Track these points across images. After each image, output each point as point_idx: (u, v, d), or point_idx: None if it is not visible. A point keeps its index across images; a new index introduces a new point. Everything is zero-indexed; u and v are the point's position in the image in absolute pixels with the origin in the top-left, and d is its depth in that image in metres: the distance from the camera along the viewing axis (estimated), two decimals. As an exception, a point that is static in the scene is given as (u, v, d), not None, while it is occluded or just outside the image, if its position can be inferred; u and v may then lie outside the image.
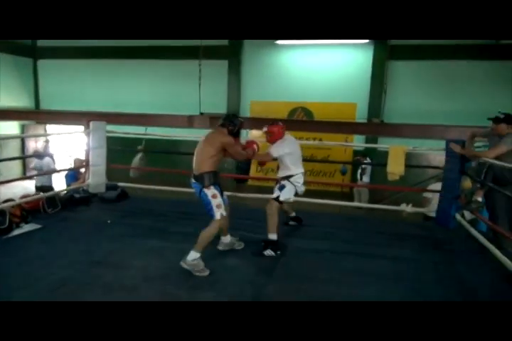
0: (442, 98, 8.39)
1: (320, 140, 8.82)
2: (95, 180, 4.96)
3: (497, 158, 3.54)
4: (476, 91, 8.30)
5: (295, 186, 3.56)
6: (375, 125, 8.20)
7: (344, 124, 8.14)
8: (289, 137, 3.64)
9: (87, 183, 5.02)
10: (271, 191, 3.68)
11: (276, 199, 3.50)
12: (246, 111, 9.84)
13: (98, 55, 10.38)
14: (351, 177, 9.05)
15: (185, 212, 4.60)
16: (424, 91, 8.65)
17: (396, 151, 4.27)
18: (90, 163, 4.96)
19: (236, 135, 3.20)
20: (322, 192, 7.99)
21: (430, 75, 8.61)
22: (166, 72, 10.17)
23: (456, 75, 8.47)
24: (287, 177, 3.56)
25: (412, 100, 8.72)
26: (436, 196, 4.34)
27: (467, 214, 4.18)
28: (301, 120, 9.35)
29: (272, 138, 3.58)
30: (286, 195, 3.52)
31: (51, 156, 7.01)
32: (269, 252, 3.30)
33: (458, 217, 4.07)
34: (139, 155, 8.37)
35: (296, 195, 3.65)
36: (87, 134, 4.94)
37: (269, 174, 8.78)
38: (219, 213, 2.96)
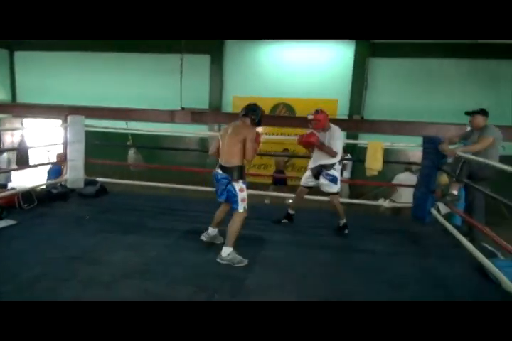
0: (420, 95, 8.55)
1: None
2: (73, 175, 4.87)
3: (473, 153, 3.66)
4: (453, 89, 8.49)
5: (341, 174, 3.86)
6: (356, 121, 8.31)
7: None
8: (333, 125, 3.75)
9: (65, 178, 4.94)
10: (254, 187, 3.69)
11: (337, 192, 3.74)
12: (228, 107, 9.81)
13: (77, 48, 10.15)
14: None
15: (165, 207, 4.59)
16: (404, 89, 8.79)
17: (374, 147, 4.34)
18: (68, 157, 4.88)
19: (258, 124, 3.20)
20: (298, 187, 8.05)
21: (410, 73, 8.76)
22: (147, 66, 10.03)
23: (434, 73, 8.64)
24: (331, 166, 3.68)
25: (391, 97, 8.85)
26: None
27: (442, 208, 4.29)
28: (283, 116, 9.39)
29: (319, 125, 3.66)
30: (340, 184, 3.77)
31: (25, 150, 6.81)
32: (346, 231, 3.80)
33: (433, 211, 4.17)
34: (132, 151, 8.21)
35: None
36: (65, 128, 4.85)
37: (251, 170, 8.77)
38: (242, 206, 3.01)
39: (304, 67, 9.37)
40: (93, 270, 2.79)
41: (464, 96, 8.16)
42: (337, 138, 3.66)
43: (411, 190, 4.54)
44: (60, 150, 5.98)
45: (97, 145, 5.90)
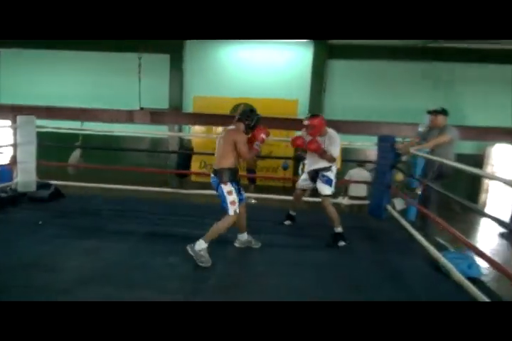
0: (376, 96, 8.87)
1: (263, 136, 8.94)
2: (24, 178, 4.64)
3: (432, 150, 3.87)
4: (405, 90, 8.88)
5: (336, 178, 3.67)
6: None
7: (288, 120, 8.31)
8: (330, 129, 3.64)
9: (15, 182, 4.70)
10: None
11: (329, 195, 3.63)
12: (189, 107, 9.72)
13: (28, 45, 9.67)
14: (293, 172, 9.29)
15: (124, 210, 4.47)
16: (360, 90, 9.09)
17: (333, 146, 4.45)
18: (18, 159, 4.64)
19: (253, 129, 3.16)
20: (265, 187, 8.15)
21: (365, 74, 9.07)
22: (105, 66, 9.75)
23: (389, 75, 9.00)
24: (328, 168, 3.60)
25: (349, 98, 9.12)
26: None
27: (397, 204, 4.47)
28: (244, 116, 9.40)
29: (314, 131, 3.53)
30: (334, 189, 3.67)
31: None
32: (341, 243, 3.52)
33: (389, 207, 4.34)
34: (77, 152, 7.93)
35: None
36: (14, 129, 4.61)
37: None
38: (232, 209, 3.00)
39: (265, 68, 9.46)
40: (49, 277, 2.67)
41: (414, 97, 8.55)
42: (336, 145, 3.59)
43: (363, 185, 4.70)
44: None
45: (51, 147, 5.66)
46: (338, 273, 2.99)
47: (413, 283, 2.90)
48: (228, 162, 3.04)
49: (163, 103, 9.50)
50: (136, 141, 9.29)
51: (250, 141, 3.16)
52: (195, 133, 9.64)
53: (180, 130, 9.50)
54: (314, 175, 3.74)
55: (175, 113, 8.87)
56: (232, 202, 3.00)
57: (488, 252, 7.15)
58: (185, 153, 8.20)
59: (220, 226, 2.99)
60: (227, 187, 3.02)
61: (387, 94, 8.91)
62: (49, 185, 4.84)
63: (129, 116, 7.57)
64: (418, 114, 6.02)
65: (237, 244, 3.39)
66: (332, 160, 3.58)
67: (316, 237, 3.82)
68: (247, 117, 3.12)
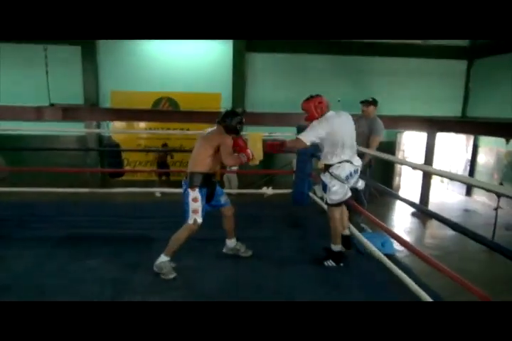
0: (297, 88, 9.12)
1: (187, 130, 8.80)
2: None
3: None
4: (325, 82, 9.27)
5: (339, 180, 2.80)
6: (239, 114, 8.50)
7: (211, 114, 8.22)
8: (333, 114, 2.86)
9: None
10: (146, 184, 3.51)
11: (330, 203, 2.89)
12: (106, 102, 9.21)
13: None
14: (221, 165, 9.28)
15: (36, 215, 4.13)
16: (281, 82, 9.31)
17: (254, 138, 4.46)
18: None
19: (235, 133, 2.84)
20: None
21: (285, 67, 9.30)
22: (5, 58, 8.82)
23: (308, 67, 9.32)
24: (326, 168, 2.86)
25: (271, 90, 9.30)
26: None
27: (318, 191, 4.66)
28: (166, 110, 9.16)
29: (310, 117, 2.88)
30: (335, 194, 2.85)
31: None
32: (329, 263, 2.96)
33: (311, 194, 4.51)
34: None
35: (357, 191, 3.04)
36: None
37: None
38: (193, 218, 2.73)
39: (185, 61, 9.26)
40: None
41: (332, 89, 8.96)
42: (309, 129, 2.83)
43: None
44: None
45: None
46: (264, 261, 3.05)
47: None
48: (203, 166, 2.76)
49: (77, 98, 8.89)
50: (47, 140, 8.58)
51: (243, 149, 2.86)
52: (116, 129, 9.19)
53: (98, 127, 8.98)
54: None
55: (90, 109, 8.33)
56: (195, 211, 2.74)
57: (402, 230, 7.77)
58: (114, 150, 7.71)
59: (179, 237, 2.74)
60: (193, 194, 2.74)
61: (306, 86, 9.19)
62: None
63: (37, 114, 6.93)
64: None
65: (224, 250, 3.16)
66: (292, 143, 2.95)
67: (243, 228, 3.83)
68: (228, 119, 2.82)
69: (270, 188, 4.57)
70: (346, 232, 3.10)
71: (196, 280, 2.72)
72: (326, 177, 2.86)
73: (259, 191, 4.93)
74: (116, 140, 8.59)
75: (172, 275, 2.72)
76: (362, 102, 4.40)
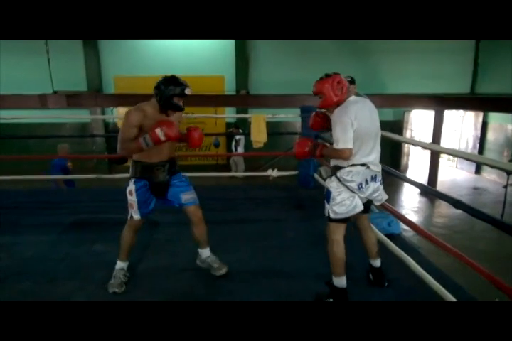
0: (299, 69, 9.01)
1: (192, 114, 8.75)
2: None
3: None
4: (330, 62, 9.11)
5: (348, 188, 2.12)
6: (242, 97, 8.44)
7: (215, 97, 8.18)
8: (357, 100, 2.18)
9: None
10: None
11: (333, 218, 2.17)
12: (110, 88, 9.19)
13: None
14: (226, 149, 9.26)
15: (44, 202, 4.18)
16: (285, 63, 9.17)
17: (257, 120, 4.46)
18: None
19: (170, 108, 2.23)
20: (199, 166, 8.05)
21: (289, 48, 9.12)
22: (6, 46, 8.78)
23: (312, 47, 9.13)
24: (334, 171, 2.18)
25: (274, 72, 9.18)
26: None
27: (324, 173, 4.63)
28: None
29: (326, 103, 2.16)
30: (340, 206, 2.13)
31: None
32: (329, 300, 2.20)
33: (316, 176, 4.49)
34: None
35: (367, 207, 2.26)
36: None
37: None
38: (130, 213, 2.36)
39: (188, 44, 9.15)
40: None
41: (338, 69, 8.74)
42: (338, 128, 2.07)
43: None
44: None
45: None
46: (269, 243, 3.06)
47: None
48: (138, 154, 2.30)
49: (80, 85, 8.87)
50: (53, 128, 8.62)
51: (153, 127, 2.16)
52: (120, 114, 9.18)
53: (103, 113, 8.98)
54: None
55: (94, 95, 8.32)
56: (130, 205, 2.34)
57: (410, 210, 7.75)
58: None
59: (123, 237, 2.42)
60: (129, 186, 2.33)
61: (310, 67, 9.05)
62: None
63: (41, 101, 6.94)
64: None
65: (197, 261, 2.59)
66: (332, 155, 2.17)
67: (248, 210, 3.86)
68: (156, 88, 2.22)
69: (275, 170, 4.55)
70: (376, 263, 2.38)
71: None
72: (332, 183, 2.17)
73: (265, 173, 4.92)
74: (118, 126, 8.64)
75: (113, 290, 2.31)
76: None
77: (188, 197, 2.42)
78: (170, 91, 2.17)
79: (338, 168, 2.16)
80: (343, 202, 2.12)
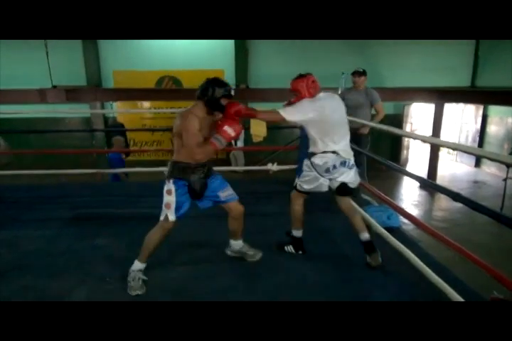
0: (298, 63, 8.92)
1: (191, 108, 8.75)
2: None
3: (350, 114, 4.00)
4: (328, 55, 9.07)
5: (317, 171, 2.53)
6: (242, 90, 8.41)
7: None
8: (326, 95, 2.52)
9: None
10: (148, 164, 3.50)
11: (296, 187, 2.68)
12: (109, 82, 9.14)
13: None
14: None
15: (43, 197, 4.18)
16: (284, 56, 9.10)
17: (257, 114, 4.45)
18: None
19: (218, 109, 2.30)
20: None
21: (287, 42, 9.05)
22: (3, 41, 8.72)
23: (309, 42, 9.05)
24: (310, 156, 2.59)
25: (274, 65, 9.11)
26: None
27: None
28: (170, 89, 9.08)
29: (299, 100, 2.49)
30: (306, 183, 2.60)
31: None
32: (289, 248, 2.83)
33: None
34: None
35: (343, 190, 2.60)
36: None
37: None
38: (164, 214, 2.33)
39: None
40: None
41: (334, 62, 8.74)
42: (297, 105, 2.46)
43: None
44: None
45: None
46: (269, 237, 3.06)
47: (337, 237, 3.08)
48: (181, 155, 2.33)
49: (79, 79, 8.82)
50: (53, 123, 8.61)
51: (219, 127, 2.28)
52: (121, 109, 9.16)
53: (102, 108, 8.96)
54: None
55: (93, 89, 8.29)
56: (167, 205, 2.32)
57: (410, 203, 7.74)
58: (119, 131, 7.69)
59: (150, 237, 2.36)
60: (167, 185, 2.34)
61: (309, 61, 9.00)
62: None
63: (40, 96, 6.91)
64: (338, 79, 6.21)
65: (228, 252, 2.74)
66: (266, 114, 2.52)
67: (248, 204, 3.83)
68: (204, 90, 2.26)
69: (275, 164, 4.55)
70: (365, 236, 2.64)
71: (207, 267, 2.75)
72: (306, 164, 2.61)
73: (265, 167, 4.92)
74: (121, 120, 8.61)
75: (135, 293, 2.28)
76: (354, 73, 4.34)
77: (226, 193, 2.52)
78: (219, 93, 2.25)
79: (312, 154, 2.55)
80: (310, 181, 2.58)
